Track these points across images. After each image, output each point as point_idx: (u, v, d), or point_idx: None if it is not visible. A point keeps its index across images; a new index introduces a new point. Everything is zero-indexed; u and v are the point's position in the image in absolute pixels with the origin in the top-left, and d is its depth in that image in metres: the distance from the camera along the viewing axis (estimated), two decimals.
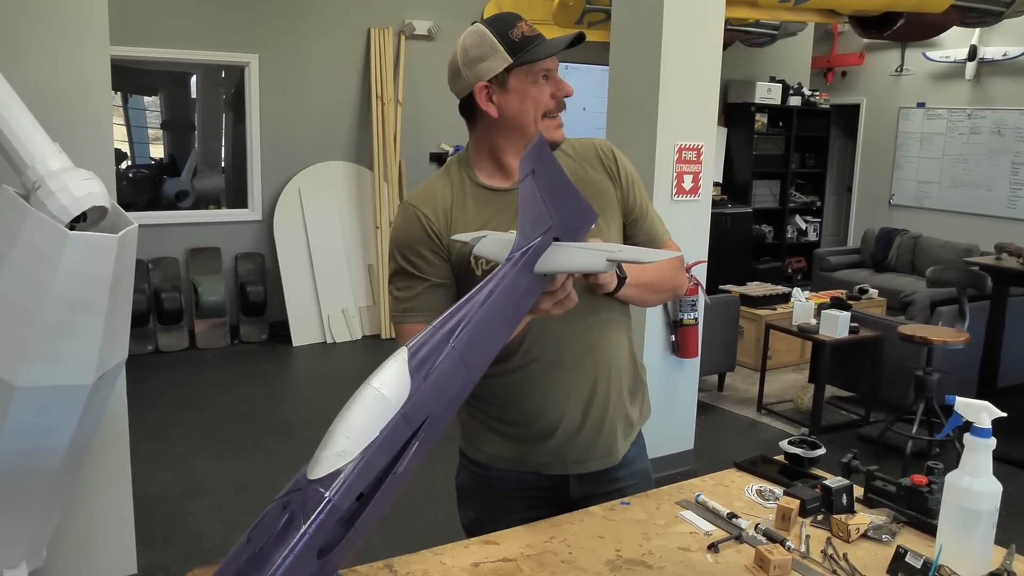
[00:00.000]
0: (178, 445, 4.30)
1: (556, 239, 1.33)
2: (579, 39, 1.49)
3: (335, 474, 1.04)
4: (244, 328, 6.25)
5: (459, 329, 1.18)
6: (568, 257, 1.31)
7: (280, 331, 6.25)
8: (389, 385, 1.11)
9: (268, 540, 0.99)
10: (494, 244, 1.39)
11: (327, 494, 1.02)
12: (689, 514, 1.46)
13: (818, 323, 4.67)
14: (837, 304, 4.86)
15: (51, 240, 1.98)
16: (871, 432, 4.55)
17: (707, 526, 1.43)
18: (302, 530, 1.00)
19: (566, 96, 1.52)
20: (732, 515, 1.44)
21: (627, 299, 1.53)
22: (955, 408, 1.36)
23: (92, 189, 2.07)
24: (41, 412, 2.07)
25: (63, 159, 2.09)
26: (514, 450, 1.60)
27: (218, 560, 1.04)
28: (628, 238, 1.60)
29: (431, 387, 1.13)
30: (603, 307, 1.54)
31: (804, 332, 4.72)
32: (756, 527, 1.41)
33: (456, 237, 1.46)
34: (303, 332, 6.24)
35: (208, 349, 6.06)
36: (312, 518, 1.00)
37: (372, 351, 6.15)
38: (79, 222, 2.08)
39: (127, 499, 2.81)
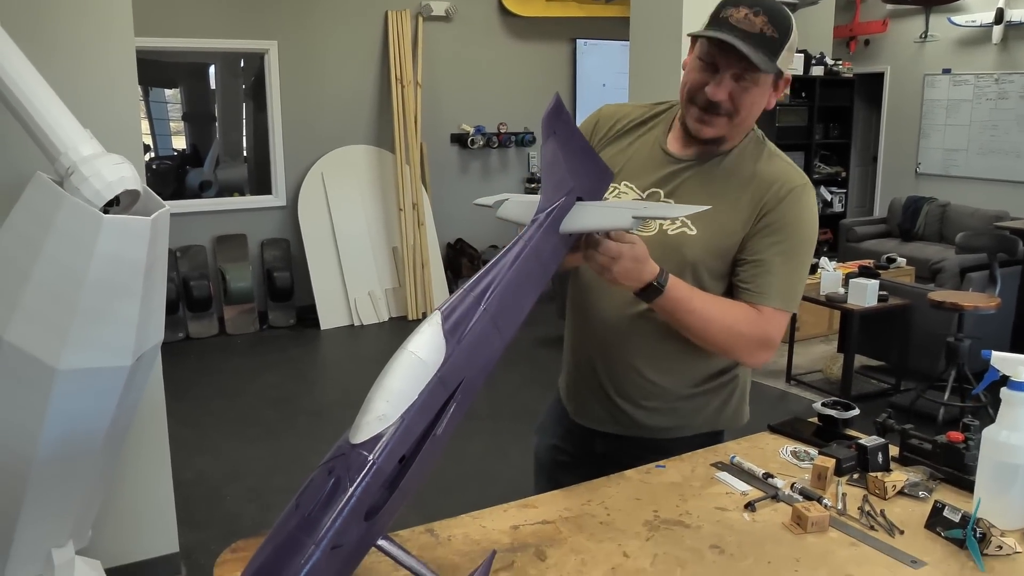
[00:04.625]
0: (212, 430, 4.37)
1: (580, 199, 1.33)
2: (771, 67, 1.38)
3: (377, 438, 1.05)
4: (272, 313, 6.33)
5: (489, 292, 1.19)
6: (593, 215, 1.31)
7: (308, 315, 6.31)
8: (425, 349, 1.12)
9: (316, 505, 1.01)
10: (517, 207, 1.40)
11: (371, 457, 1.04)
12: (725, 475, 1.47)
13: (846, 292, 4.64)
14: (865, 273, 4.82)
15: (86, 225, 2.01)
16: (902, 400, 4.53)
17: (743, 486, 1.43)
18: (348, 493, 1.01)
19: (709, 97, 1.42)
20: (768, 475, 1.45)
21: (667, 318, 1.44)
22: (991, 362, 1.35)
23: (124, 173, 2.10)
24: (82, 395, 2.11)
25: (95, 145, 2.12)
26: (562, 378, 1.74)
27: (260, 534, 1.06)
28: (733, 274, 1.51)
29: (465, 350, 1.14)
30: (648, 309, 1.45)
31: (832, 302, 4.69)
32: (792, 486, 1.41)
33: (478, 201, 1.49)
34: (330, 316, 6.30)
35: (238, 335, 6.14)
36: (357, 482, 1.02)
37: (399, 333, 6.15)
38: (112, 207, 2.12)
39: (167, 480, 2.87)
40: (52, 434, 2.11)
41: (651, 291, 1.37)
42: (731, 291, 1.51)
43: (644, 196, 1.55)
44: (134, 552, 2.80)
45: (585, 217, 1.31)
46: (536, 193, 1.37)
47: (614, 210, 1.43)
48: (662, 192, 1.54)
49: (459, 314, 1.17)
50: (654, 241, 1.48)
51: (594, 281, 1.56)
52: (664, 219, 1.50)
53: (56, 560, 2.29)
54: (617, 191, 1.57)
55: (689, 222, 1.49)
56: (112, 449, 2.35)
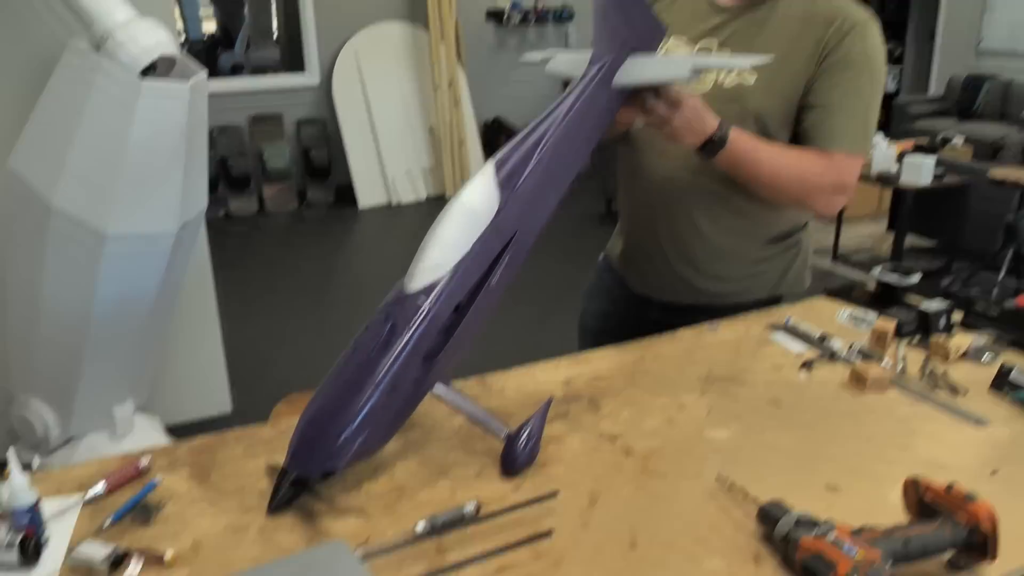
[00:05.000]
0: (257, 302, 4.45)
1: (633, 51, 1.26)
2: None
3: (432, 286, 1.04)
4: (311, 192, 6.33)
5: (542, 144, 1.15)
6: (648, 67, 1.24)
7: (346, 194, 6.30)
8: (478, 199, 1.10)
9: (374, 348, 1.00)
10: (567, 61, 1.34)
11: (427, 304, 1.02)
12: (780, 336, 1.44)
13: (899, 170, 4.47)
14: (921, 150, 4.63)
15: (125, 91, 1.98)
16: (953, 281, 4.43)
17: (799, 347, 1.41)
18: (406, 337, 1.01)
19: None
20: (824, 337, 1.42)
21: (734, 173, 1.37)
22: None
23: (160, 38, 2.05)
24: (130, 260, 2.14)
25: (128, 9, 2.06)
26: (616, 245, 1.70)
27: (311, 389, 1.06)
28: (797, 122, 1.42)
29: (518, 200, 1.11)
30: (708, 166, 1.38)
31: (884, 180, 4.53)
32: (850, 347, 1.38)
33: (526, 57, 1.44)
34: (368, 194, 6.28)
35: (277, 213, 6.18)
36: (415, 326, 1.01)
37: (437, 212, 6.15)
38: (149, 73, 2.07)
39: (217, 344, 2.96)
40: (104, 297, 2.15)
41: (713, 146, 1.30)
42: (798, 139, 1.43)
43: (696, 49, 1.47)
44: (190, 411, 2.91)
45: (640, 69, 1.23)
46: None
47: (671, 61, 1.35)
48: (715, 42, 1.45)
49: (512, 164, 1.13)
50: (711, 95, 1.40)
51: (650, 142, 1.49)
52: (724, 69, 1.42)
53: (117, 415, 2.39)
54: (666, 47, 1.48)
55: (746, 71, 1.41)
56: (163, 313, 2.40)
